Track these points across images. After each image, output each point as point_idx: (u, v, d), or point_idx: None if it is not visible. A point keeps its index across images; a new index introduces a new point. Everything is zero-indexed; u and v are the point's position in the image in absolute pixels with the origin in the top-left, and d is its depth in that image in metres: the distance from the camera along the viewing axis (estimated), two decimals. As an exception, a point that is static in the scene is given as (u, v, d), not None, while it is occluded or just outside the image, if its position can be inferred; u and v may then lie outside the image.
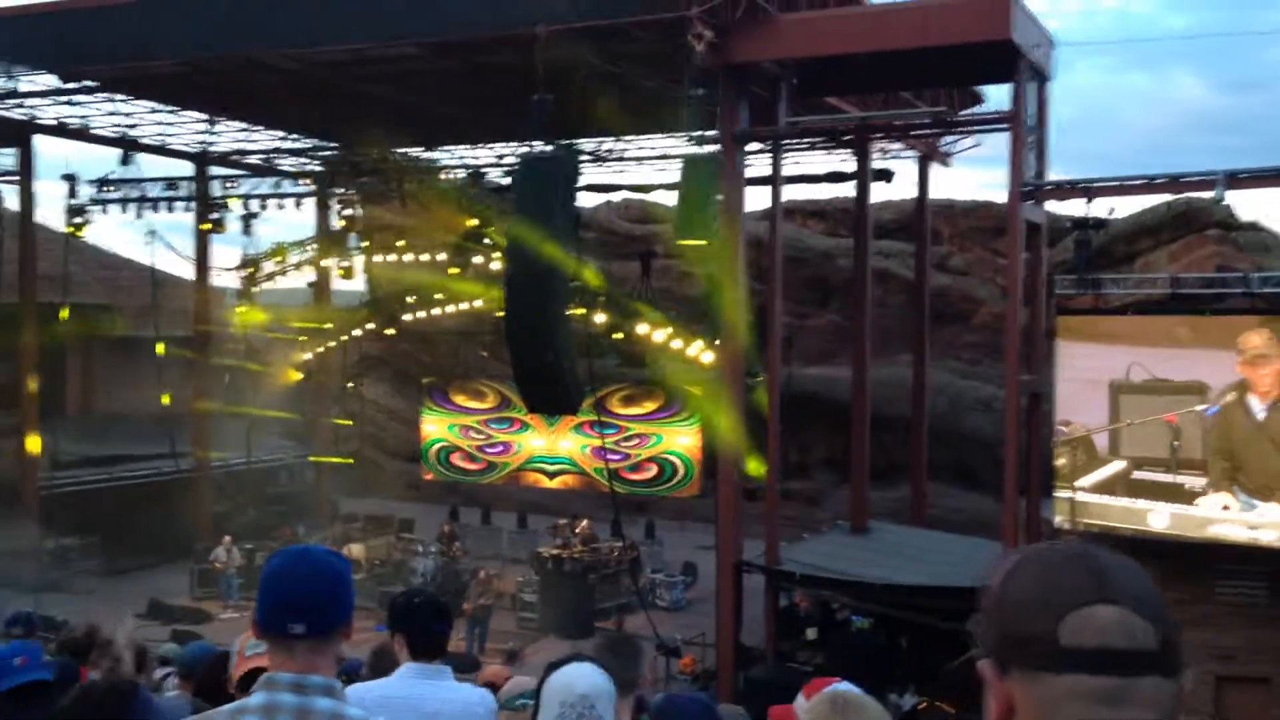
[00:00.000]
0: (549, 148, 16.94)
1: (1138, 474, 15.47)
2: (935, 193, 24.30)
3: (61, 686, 3.87)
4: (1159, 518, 15.20)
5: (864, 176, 20.99)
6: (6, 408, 24.08)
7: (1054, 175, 17.27)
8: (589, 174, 25.26)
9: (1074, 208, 17.29)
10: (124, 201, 24.24)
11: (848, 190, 22.96)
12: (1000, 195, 16.46)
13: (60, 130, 23.86)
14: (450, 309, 27.13)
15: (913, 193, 23.44)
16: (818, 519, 25.02)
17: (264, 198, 24.76)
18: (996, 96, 19.49)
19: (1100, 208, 16.61)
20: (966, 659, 1.46)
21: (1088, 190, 16.11)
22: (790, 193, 23.71)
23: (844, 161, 22.97)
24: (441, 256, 25.01)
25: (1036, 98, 16.46)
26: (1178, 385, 15.25)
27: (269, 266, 26.84)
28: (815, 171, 23.14)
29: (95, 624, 6.52)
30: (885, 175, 22.44)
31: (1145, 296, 17.56)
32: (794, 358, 24.54)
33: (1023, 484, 16.05)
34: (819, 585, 17.88)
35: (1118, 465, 15.65)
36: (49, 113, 23.09)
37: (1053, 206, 17.89)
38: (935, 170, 23.16)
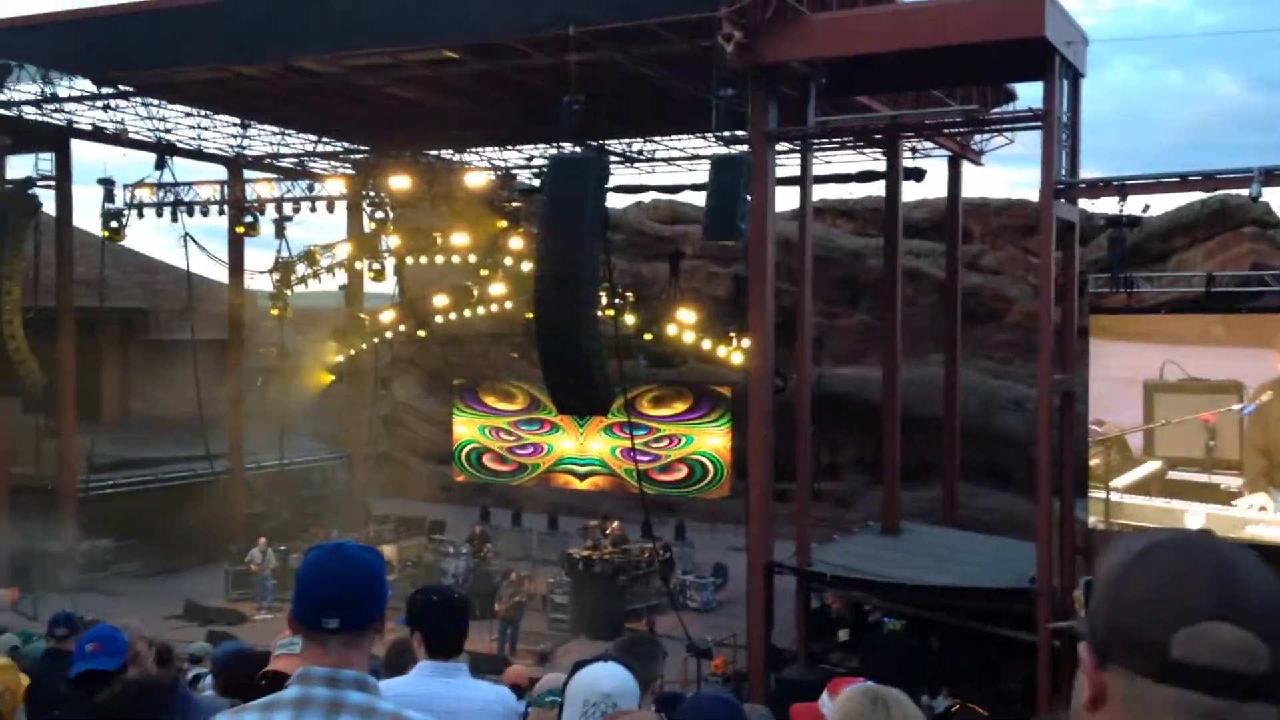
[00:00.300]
0: (578, 149, 16.99)
1: (1173, 474, 15.31)
2: (967, 191, 24.17)
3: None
4: (1195, 518, 15.02)
5: (895, 175, 20.91)
6: (45, 411, 24.36)
7: (1088, 173, 17.15)
8: (618, 175, 25.31)
9: (1108, 205, 17.13)
10: (159, 205, 24.49)
11: (878, 189, 22.90)
12: (1033, 193, 16.36)
13: (97, 135, 24.16)
14: (480, 310, 27.25)
15: (944, 191, 23.31)
16: (849, 520, 24.92)
17: (297, 201, 24.95)
18: (1029, 94, 19.38)
19: (1134, 205, 16.45)
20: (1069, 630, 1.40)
21: (1121, 188, 15.95)
22: (820, 192, 23.68)
23: (875, 161, 22.91)
24: (472, 258, 25.13)
25: (1069, 95, 16.32)
26: (1213, 384, 15.07)
27: (301, 269, 27.06)
28: (846, 171, 23.09)
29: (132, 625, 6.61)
30: (916, 174, 22.35)
31: (1180, 294, 17.38)
32: (824, 358, 24.47)
33: (1056, 484, 15.92)
34: (850, 586, 17.81)
35: (1153, 465, 15.49)
36: (86, 118, 23.39)
37: (1086, 204, 17.71)
38: (967, 169, 23.03)
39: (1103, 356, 15.83)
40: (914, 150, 22.57)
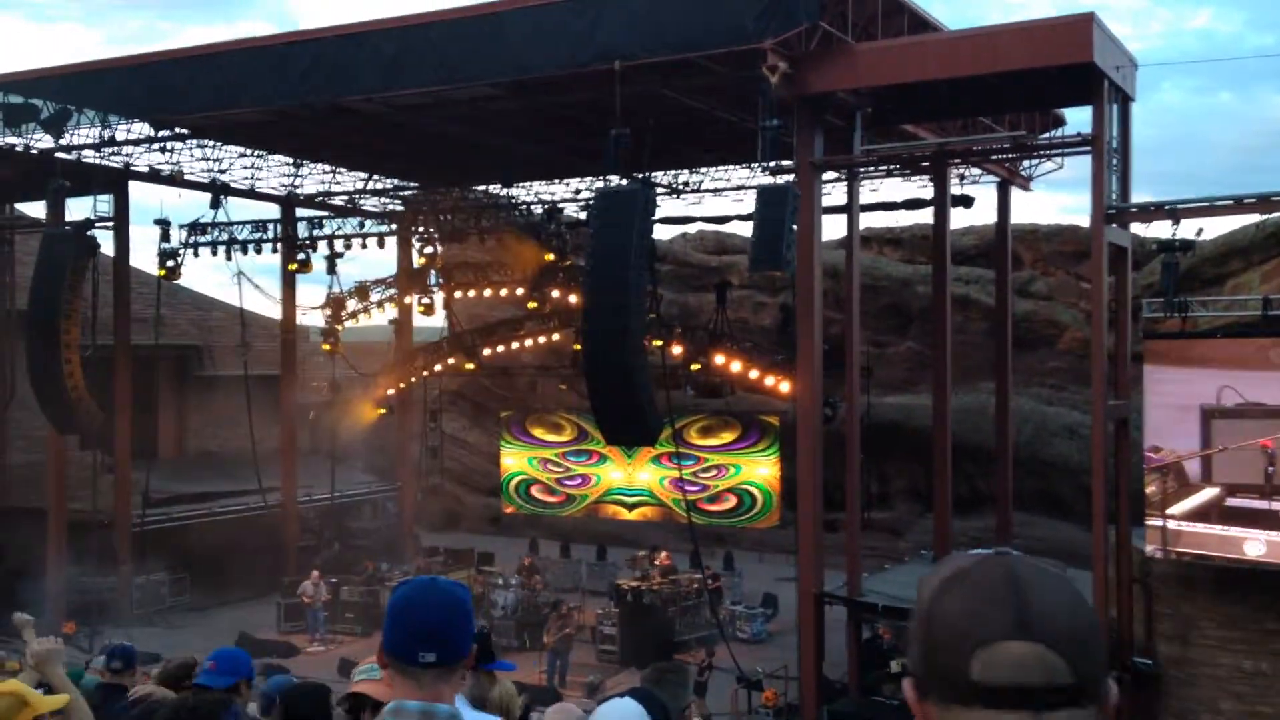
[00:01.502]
0: (624, 182, 17.10)
1: (1232, 501, 15.00)
2: (1017, 217, 23.97)
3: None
4: (1255, 546, 14.70)
5: (942, 202, 20.80)
6: (102, 448, 24.78)
7: (1139, 197, 16.97)
8: (665, 206, 25.44)
9: (1160, 230, 16.93)
10: (214, 244, 24.95)
11: (926, 217, 22.79)
12: (1084, 218, 16.19)
13: (153, 177, 24.71)
14: (528, 343, 27.43)
15: (993, 217, 23.16)
16: (900, 549, 24.66)
17: (348, 238, 25.31)
18: (1078, 119, 19.22)
19: (1188, 229, 16.26)
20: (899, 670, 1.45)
21: (1174, 211, 15.76)
22: (867, 220, 23.64)
23: (922, 188, 22.83)
24: (520, 291, 25.32)
25: (1119, 119, 16.19)
26: (1272, 408, 14.79)
27: (352, 304, 27.41)
28: (893, 199, 23.04)
29: (192, 658, 6.70)
30: (964, 201, 22.23)
31: (1236, 318, 17.08)
32: (873, 387, 24.31)
33: (1111, 512, 15.66)
34: (903, 617, 17.58)
35: (1210, 492, 15.20)
36: (143, 160, 23.93)
37: (1138, 229, 17.53)
38: (1016, 194, 22.86)
39: (1157, 382, 15.60)
40: (962, 177, 22.46)
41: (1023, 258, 28.70)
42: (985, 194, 22.84)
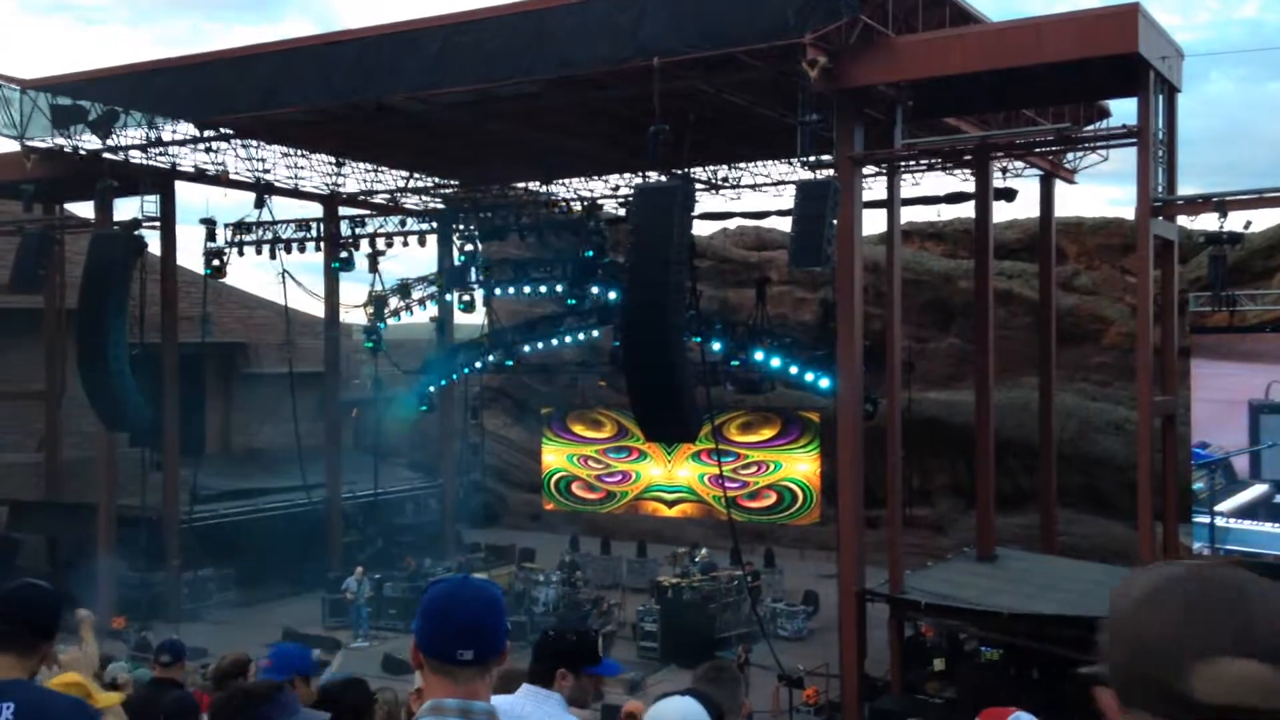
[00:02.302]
0: (664, 178, 17.09)
1: (1283, 498, 14.76)
2: (1061, 210, 23.71)
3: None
4: (1309, 544, 14.46)
5: (985, 196, 20.61)
6: (151, 445, 25.15)
7: (1186, 189, 16.73)
8: (704, 202, 25.40)
9: (1207, 222, 16.68)
10: (258, 243, 25.23)
11: (968, 210, 22.59)
12: (1130, 211, 15.98)
13: (199, 176, 25.04)
14: (568, 340, 27.50)
15: (1036, 211, 22.91)
16: (943, 546, 24.47)
17: (389, 236, 25.50)
18: (1123, 110, 19.00)
19: (1235, 221, 16.00)
20: (1088, 675, 1.37)
21: (1221, 204, 15.52)
22: (908, 215, 23.44)
23: (964, 181, 22.63)
24: (559, 288, 25.39)
25: (1165, 111, 15.96)
26: (1325, 404, 14.53)
27: (394, 302, 27.63)
28: (934, 193, 22.85)
29: (245, 655, 6.79)
30: (1007, 194, 22.01)
31: (1286, 312, 16.79)
32: (915, 382, 24.14)
33: (1158, 509, 15.46)
34: (945, 615, 17.47)
35: (1260, 488, 14.96)
36: (189, 160, 24.25)
37: (1185, 221, 17.27)
38: (1061, 187, 22.60)
39: (1205, 377, 15.38)
40: (1004, 170, 22.24)
41: (1067, 251, 28.36)
42: (1029, 187, 22.62)
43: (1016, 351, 25.50)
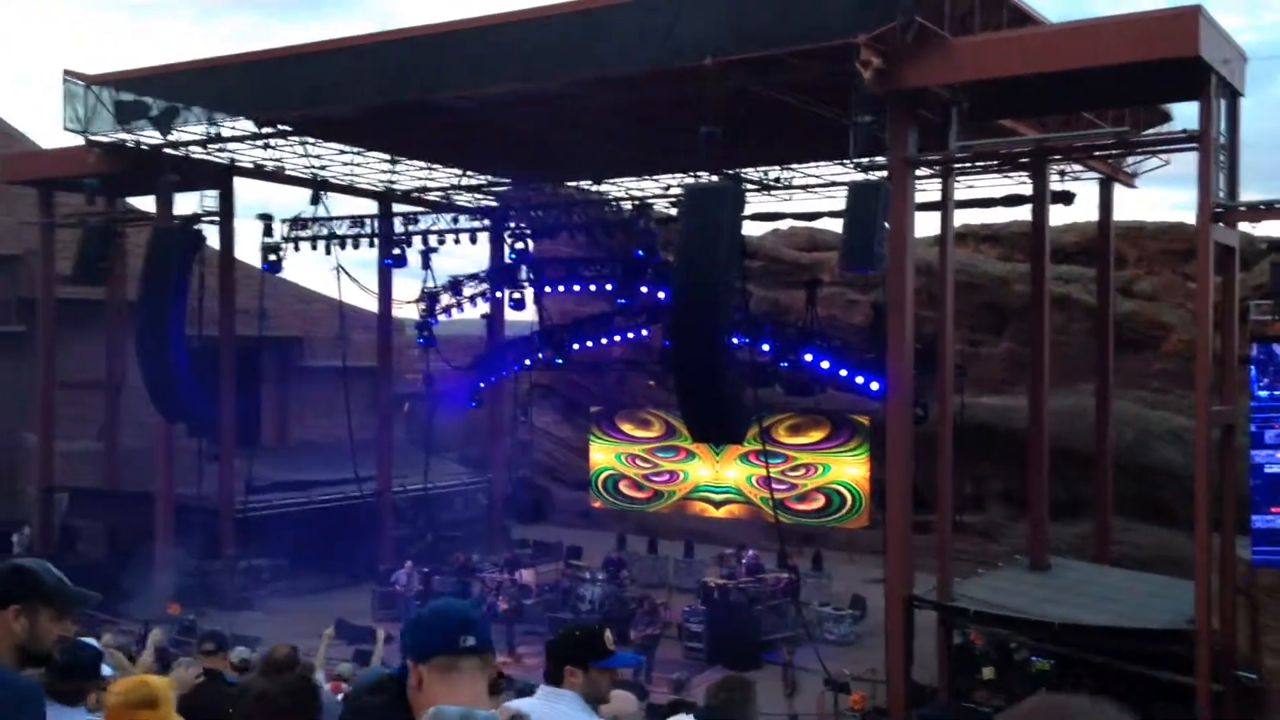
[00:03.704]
0: (714, 178, 17.05)
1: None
2: (1121, 214, 23.31)
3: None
4: (1372, 560, 14.07)
5: (1042, 199, 20.30)
6: (208, 436, 25.56)
7: (1249, 195, 16.35)
8: (755, 202, 25.27)
9: (1270, 229, 16.31)
10: (314, 238, 25.54)
11: (1024, 213, 22.27)
12: (1192, 216, 15.65)
13: (257, 173, 25.41)
14: (617, 339, 27.52)
15: (1095, 214, 22.54)
16: (994, 553, 24.15)
17: (442, 233, 25.70)
18: (1185, 113, 18.60)
19: (1301, 228, 15.59)
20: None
21: (1286, 210, 15.16)
22: (963, 217, 23.18)
23: (1020, 184, 22.30)
24: (609, 286, 25.42)
25: (1227, 115, 15.61)
26: (1392, 417, 14.13)
27: (446, 299, 27.83)
28: (990, 195, 22.55)
29: (293, 649, 6.90)
30: (1065, 198, 21.67)
31: (1353, 321, 16.31)
32: (968, 387, 23.85)
33: (1216, 520, 15.13)
34: (994, 623, 17.25)
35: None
36: (247, 156, 24.62)
37: (1247, 228, 16.89)
38: (1121, 191, 22.22)
39: (1267, 387, 15.00)
40: (1062, 173, 21.89)
41: (1126, 256, 27.84)
42: (1087, 190, 22.26)
43: (1073, 357, 25.08)
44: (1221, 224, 15.46)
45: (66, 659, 4.34)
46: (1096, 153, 19.89)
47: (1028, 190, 21.11)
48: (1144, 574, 20.23)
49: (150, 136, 22.92)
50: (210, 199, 25.06)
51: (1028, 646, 17.52)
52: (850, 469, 25.51)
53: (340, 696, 6.19)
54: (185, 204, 24.95)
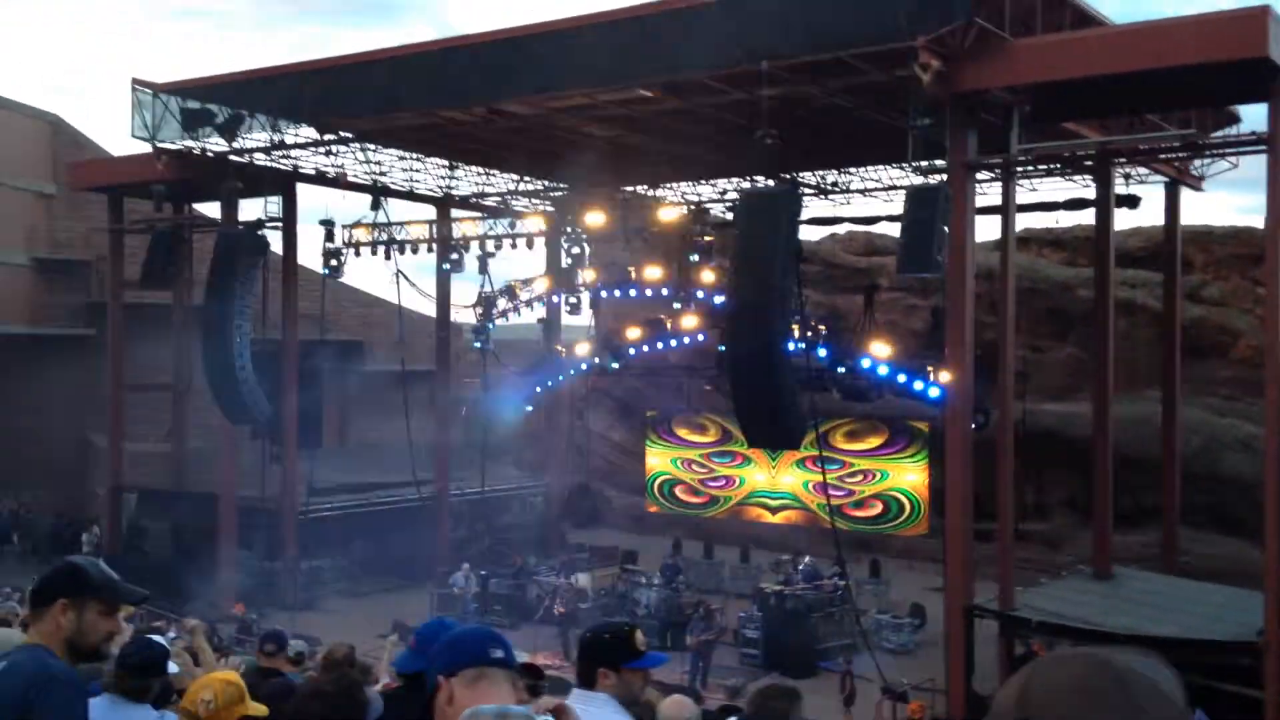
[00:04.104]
0: (771, 182, 16.98)
1: None
2: (1189, 218, 22.83)
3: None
4: None
5: (1106, 203, 19.95)
6: (271, 438, 25.96)
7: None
8: (813, 207, 25.15)
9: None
10: (374, 244, 25.85)
11: (1088, 218, 21.90)
12: (1261, 220, 15.26)
13: (319, 179, 25.77)
14: (674, 343, 27.51)
15: (1162, 218, 22.10)
16: (1057, 563, 23.75)
17: (499, 238, 25.88)
18: (1255, 115, 18.17)
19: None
20: None
21: (1361, 212, 14.71)
22: (1027, 221, 22.86)
23: (1084, 187, 21.94)
24: (665, 291, 25.42)
25: (1298, 116, 15.21)
26: None
27: (502, 303, 28.01)
28: (1053, 199, 22.21)
29: (350, 647, 6.98)
30: (1130, 201, 21.28)
31: None
32: (1030, 393, 23.49)
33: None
34: (1057, 633, 16.94)
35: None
36: (309, 163, 24.98)
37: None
38: (1188, 194, 21.75)
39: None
40: (1127, 176, 21.50)
41: (1194, 261, 27.27)
42: (1153, 193, 21.83)
43: (1139, 363, 24.62)
44: (1293, 227, 15.05)
45: (136, 657, 4.43)
46: (1162, 155, 19.51)
47: (1091, 194, 20.76)
48: (1211, 585, 19.77)
49: (216, 144, 23.35)
50: (274, 205, 25.45)
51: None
52: (909, 475, 25.26)
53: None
54: (249, 210, 25.40)
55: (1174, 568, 20.90)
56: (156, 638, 6.23)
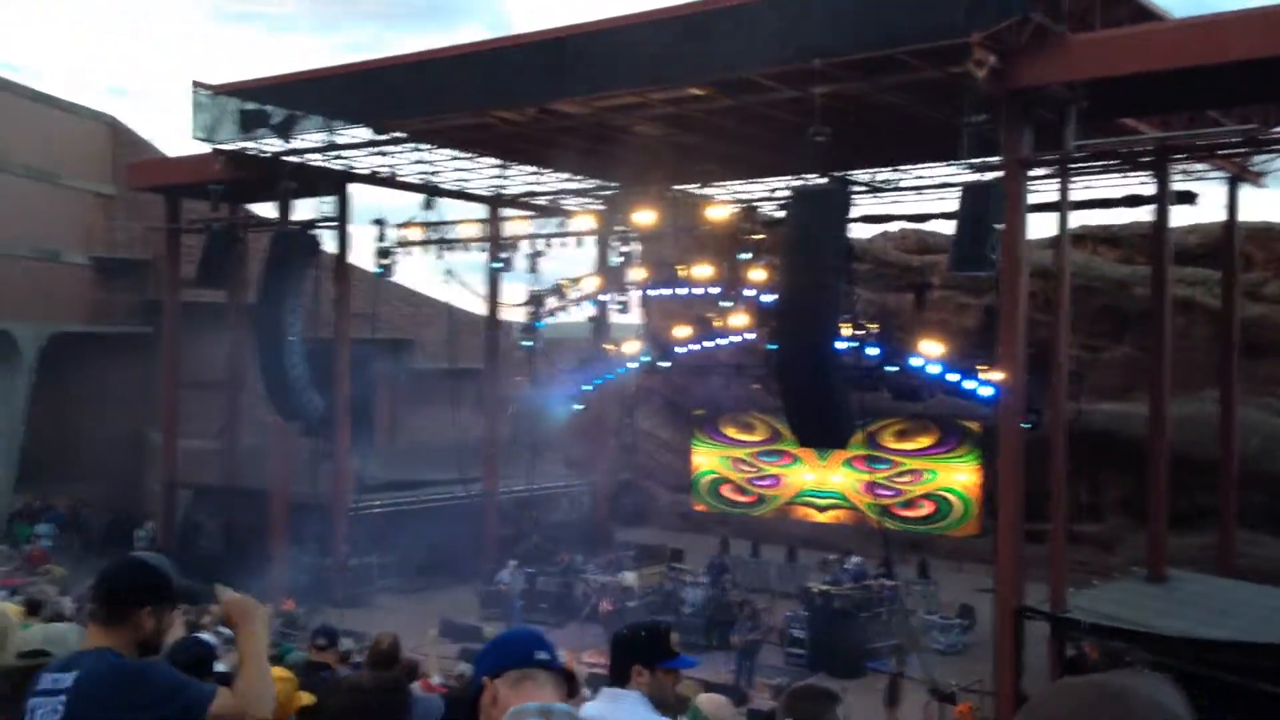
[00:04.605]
0: (822, 180, 16.90)
1: None
2: (1248, 214, 22.40)
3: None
4: None
5: (1163, 200, 19.64)
6: (323, 435, 26.25)
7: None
8: (864, 204, 24.96)
9: None
10: (425, 243, 26.05)
11: (1145, 214, 21.56)
12: (1323, 217, 14.94)
13: (372, 179, 26.01)
14: (722, 342, 27.46)
15: (1221, 215, 21.71)
16: (1110, 565, 23.44)
17: (549, 237, 25.96)
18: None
19: None
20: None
21: None
22: (1080, 218, 22.55)
23: (1142, 184, 21.60)
24: (715, 290, 25.37)
25: (1364, 109, 14.90)
26: None
27: (552, 302, 28.11)
28: (1109, 195, 21.87)
29: (396, 637, 7.04)
30: (1188, 198, 20.89)
31: None
32: (1085, 393, 23.18)
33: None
34: (1109, 635, 16.70)
35: None
36: (363, 163, 25.23)
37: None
38: (1248, 191, 21.35)
39: None
40: (1186, 172, 21.14)
41: (1254, 258, 26.75)
42: (1212, 190, 21.44)
43: (1196, 363, 24.20)
44: (1358, 224, 14.74)
45: (184, 654, 4.50)
46: (1221, 151, 19.16)
47: (1149, 190, 20.43)
48: (1270, 588, 19.40)
49: (271, 144, 23.65)
50: (327, 204, 25.72)
51: (1144, 660, 16.93)
52: (959, 475, 25.03)
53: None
54: (303, 210, 25.69)
55: (1231, 570, 20.54)
56: (205, 635, 6.33)
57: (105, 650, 3.20)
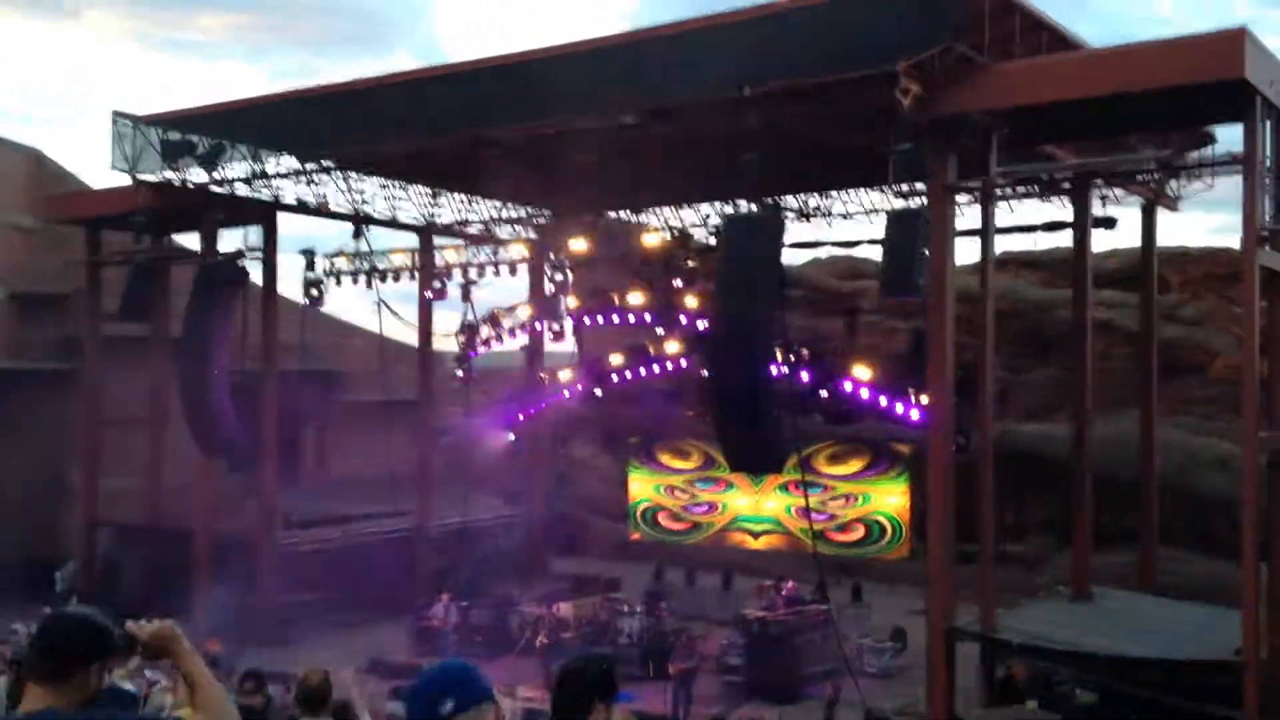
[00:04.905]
0: (753, 207, 17.06)
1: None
2: (1165, 239, 23.05)
3: None
4: None
5: (1083, 225, 20.14)
6: (248, 471, 25.69)
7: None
8: (795, 230, 25.21)
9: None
10: (355, 273, 25.75)
11: (1066, 239, 22.08)
12: (1237, 240, 15.43)
13: (301, 208, 25.67)
14: (656, 369, 27.49)
15: (1138, 239, 22.31)
16: (1036, 584, 23.78)
17: (482, 265, 25.82)
18: (1230, 136, 18.39)
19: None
20: None
21: (1335, 232, 14.91)
22: (1004, 243, 22.97)
23: (1062, 209, 22.13)
24: (648, 317, 25.42)
25: (1274, 137, 15.41)
26: None
27: (485, 331, 27.92)
28: (1031, 221, 22.36)
29: (327, 673, 6.87)
30: (1107, 223, 21.43)
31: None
32: (1009, 413, 23.60)
33: (1264, 548, 14.82)
34: (1039, 656, 16.94)
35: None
36: (291, 192, 24.89)
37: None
38: (1165, 215, 21.98)
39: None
40: (1104, 198, 21.70)
41: (1171, 281, 27.53)
42: (1130, 215, 22.03)
43: (1117, 384, 24.76)
44: (1268, 247, 15.24)
45: (113, 706, 4.34)
46: (1139, 177, 19.72)
47: (1069, 215, 20.95)
48: (1190, 604, 19.84)
49: (196, 175, 23.25)
50: (254, 235, 25.33)
51: (1072, 679, 17.18)
52: (890, 499, 25.28)
53: None
54: (230, 240, 25.27)
55: (1153, 587, 20.96)
56: (125, 684, 6.11)
57: (52, 711, 3.12)
